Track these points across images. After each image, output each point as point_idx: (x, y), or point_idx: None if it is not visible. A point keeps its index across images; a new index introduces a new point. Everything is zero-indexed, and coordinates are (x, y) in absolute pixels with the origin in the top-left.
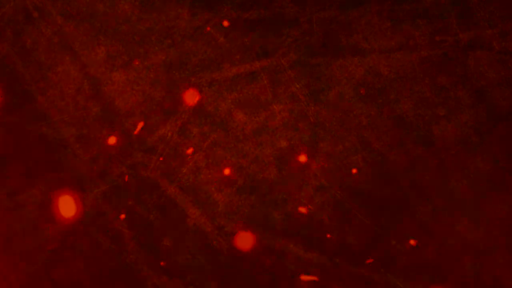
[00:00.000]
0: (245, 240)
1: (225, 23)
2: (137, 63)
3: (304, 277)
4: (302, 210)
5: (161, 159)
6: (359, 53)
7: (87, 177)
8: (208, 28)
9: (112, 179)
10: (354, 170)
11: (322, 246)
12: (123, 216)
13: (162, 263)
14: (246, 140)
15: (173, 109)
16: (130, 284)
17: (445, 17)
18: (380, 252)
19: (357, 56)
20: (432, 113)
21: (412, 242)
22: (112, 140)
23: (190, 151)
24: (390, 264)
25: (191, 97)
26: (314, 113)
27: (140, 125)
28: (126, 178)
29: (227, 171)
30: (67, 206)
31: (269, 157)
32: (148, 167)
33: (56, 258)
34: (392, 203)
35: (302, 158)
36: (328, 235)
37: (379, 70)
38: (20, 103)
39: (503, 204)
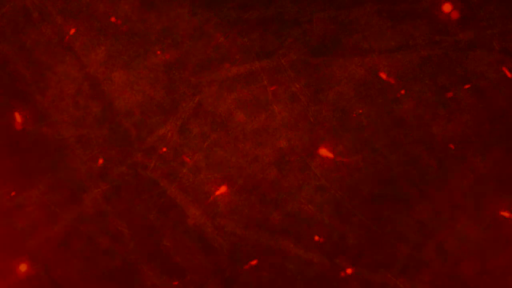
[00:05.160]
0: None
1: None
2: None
3: None
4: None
5: (160, 160)
6: (359, 53)
7: (87, 177)
8: (208, 28)
9: (112, 179)
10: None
11: (322, 246)
12: (123, 216)
13: (162, 263)
14: (246, 140)
15: (173, 109)
16: (130, 284)
17: (445, 17)
18: (380, 252)
19: (357, 56)
20: (432, 113)
21: (412, 241)
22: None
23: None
24: (390, 264)
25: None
26: (314, 113)
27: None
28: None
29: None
30: None
31: (269, 157)
32: (148, 167)
33: (56, 258)
34: (392, 203)
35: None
36: (328, 235)
37: (379, 70)
38: (20, 103)
39: (503, 204)
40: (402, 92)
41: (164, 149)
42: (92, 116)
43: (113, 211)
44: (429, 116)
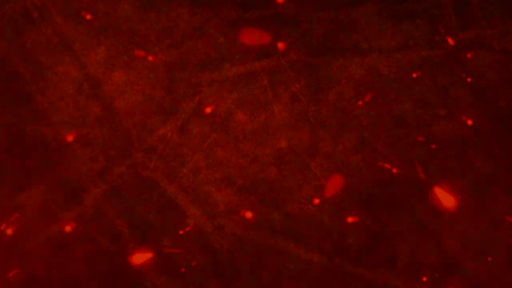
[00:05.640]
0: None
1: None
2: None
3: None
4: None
5: (160, 159)
6: (359, 53)
7: (87, 177)
8: (208, 28)
9: (112, 179)
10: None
11: (322, 246)
12: (123, 216)
13: (162, 263)
14: (246, 140)
15: (173, 109)
16: (130, 284)
17: (445, 17)
18: (380, 252)
19: (357, 56)
20: (432, 113)
21: (411, 241)
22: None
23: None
24: (390, 264)
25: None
26: (314, 113)
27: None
28: (125, 178)
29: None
30: None
31: (269, 157)
32: (148, 167)
33: (56, 258)
34: (392, 203)
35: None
36: (329, 235)
37: (379, 70)
38: (20, 103)
39: (503, 204)
40: (402, 92)
41: (164, 149)
42: (92, 116)
43: (113, 211)
44: (429, 116)
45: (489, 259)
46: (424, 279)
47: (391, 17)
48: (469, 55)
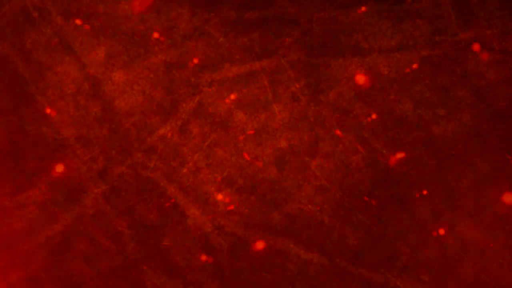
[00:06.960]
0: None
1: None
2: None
3: None
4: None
5: (160, 159)
6: (359, 53)
7: (87, 177)
8: (208, 28)
9: (112, 179)
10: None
11: (322, 246)
12: (123, 216)
13: (162, 263)
14: (246, 140)
15: (173, 109)
16: (130, 284)
17: (445, 17)
18: (380, 252)
19: (357, 56)
20: (432, 113)
21: (412, 242)
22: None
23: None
24: (390, 264)
25: None
26: (314, 113)
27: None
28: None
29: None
30: None
31: (269, 157)
32: (148, 167)
33: (56, 258)
34: (392, 203)
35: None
36: (329, 235)
37: (379, 70)
38: (20, 103)
39: (503, 204)
40: (402, 92)
41: (164, 149)
42: (92, 116)
43: (113, 211)
44: (429, 116)
45: (489, 259)
46: (424, 279)
47: (391, 17)
48: (469, 55)
